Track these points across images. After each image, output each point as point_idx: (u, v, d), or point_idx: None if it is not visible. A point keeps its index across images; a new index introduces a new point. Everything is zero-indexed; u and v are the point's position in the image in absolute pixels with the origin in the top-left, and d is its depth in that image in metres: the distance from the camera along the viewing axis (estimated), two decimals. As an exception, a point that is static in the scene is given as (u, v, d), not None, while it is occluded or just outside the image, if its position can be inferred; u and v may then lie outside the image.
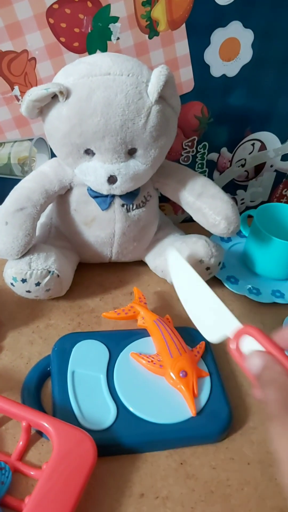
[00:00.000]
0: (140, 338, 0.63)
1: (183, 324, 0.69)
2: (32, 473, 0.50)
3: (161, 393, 0.57)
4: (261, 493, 0.52)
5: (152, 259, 0.76)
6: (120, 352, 0.61)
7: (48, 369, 0.60)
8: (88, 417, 0.54)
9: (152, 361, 0.59)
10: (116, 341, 0.62)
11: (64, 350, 0.60)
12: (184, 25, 0.67)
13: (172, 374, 0.58)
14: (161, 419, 0.55)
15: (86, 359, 0.60)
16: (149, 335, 0.63)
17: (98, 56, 0.59)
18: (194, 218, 0.71)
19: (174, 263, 0.62)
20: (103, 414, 0.54)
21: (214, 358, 0.63)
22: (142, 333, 0.64)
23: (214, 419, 0.56)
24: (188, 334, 0.65)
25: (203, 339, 0.63)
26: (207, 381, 0.59)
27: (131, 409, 0.55)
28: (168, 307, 0.73)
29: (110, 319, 0.67)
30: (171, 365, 0.58)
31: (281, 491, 0.52)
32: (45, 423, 0.51)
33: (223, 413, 0.57)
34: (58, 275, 0.64)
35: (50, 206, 0.70)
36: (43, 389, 0.59)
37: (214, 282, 0.76)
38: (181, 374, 0.57)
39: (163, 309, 0.72)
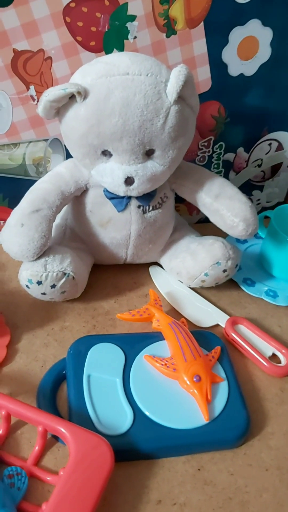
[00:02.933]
0: (156, 341, 0.63)
1: (198, 328, 0.69)
2: (48, 478, 0.50)
3: (178, 397, 0.57)
4: (280, 500, 0.52)
5: (167, 261, 0.75)
6: (136, 355, 0.60)
7: (64, 372, 0.60)
8: (105, 421, 0.53)
9: (165, 364, 0.59)
10: (132, 344, 0.62)
11: (79, 353, 0.60)
12: (202, 23, 0.66)
13: (185, 379, 0.57)
14: (178, 424, 0.54)
15: (102, 362, 0.59)
16: (164, 339, 0.63)
17: (116, 55, 0.58)
18: (211, 220, 0.70)
19: (158, 276, 0.73)
20: (119, 419, 0.54)
21: (231, 363, 0.62)
22: (158, 336, 0.63)
23: (231, 424, 0.56)
24: (203, 338, 0.64)
25: (219, 343, 0.64)
26: (223, 386, 0.59)
27: (148, 414, 0.55)
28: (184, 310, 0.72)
29: (125, 320, 0.67)
30: (185, 369, 0.57)
31: (300, 499, 0.52)
32: (62, 428, 0.50)
33: (241, 418, 0.56)
34: (73, 277, 0.64)
35: (65, 208, 0.70)
36: (59, 392, 0.59)
37: (230, 284, 0.75)
38: (194, 379, 0.57)
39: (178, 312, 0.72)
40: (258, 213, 0.71)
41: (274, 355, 0.66)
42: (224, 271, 0.69)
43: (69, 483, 0.46)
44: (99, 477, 0.47)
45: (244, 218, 0.66)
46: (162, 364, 0.59)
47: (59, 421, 0.51)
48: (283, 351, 0.65)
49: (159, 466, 0.53)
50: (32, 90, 0.67)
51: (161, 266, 0.78)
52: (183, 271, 0.72)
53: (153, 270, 0.77)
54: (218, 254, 0.68)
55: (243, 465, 0.54)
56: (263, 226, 0.81)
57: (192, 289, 0.75)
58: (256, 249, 0.84)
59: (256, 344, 0.66)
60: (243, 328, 0.68)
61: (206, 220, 0.72)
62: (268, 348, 0.66)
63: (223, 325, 0.69)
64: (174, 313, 0.71)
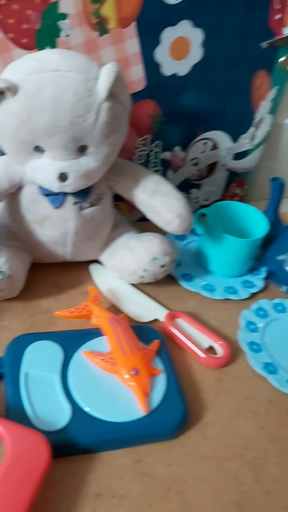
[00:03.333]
0: (95, 337, 0.63)
1: (138, 323, 0.69)
2: (-17, 477, 0.49)
3: (116, 391, 0.57)
4: (217, 488, 0.53)
5: (107, 258, 0.75)
6: (75, 352, 0.60)
7: (1, 371, 0.59)
8: (42, 418, 0.53)
9: (104, 359, 0.59)
10: (71, 341, 0.62)
11: (16, 351, 0.59)
12: (134, 23, 0.67)
13: (123, 372, 0.57)
14: (116, 417, 0.54)
15: (40, 360, 0.59)
16: (103, 335, 0.63)
17: (46, 52, 0.58)
18: (148, 217, 0.71)
19: (98, 274, 0.76)
20: (57, 415, 0.53)
21: (169, 356, 0.63)
22: (97, 332, 0.63)
23: (169, 416, 0.56)
24: (143, 332, 0.65)
25: (158, 337, 0.64)
26: (162, 379, 0.59)
27: (86, 408, 0.55)
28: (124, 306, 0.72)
29: (64, 317, 0.66)
30: (123, 363, 0.58)
31: (237, 486, 0.53)
32: None
33: (178, 410, 0.57)
34: (10, 276, 0.63)
35: (0, 205, 0.69)
36: (-3, 390, 0.58)
37: (169, 280, 0.76)
38: (132, 372, 0.57)
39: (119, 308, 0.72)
40: (196, 211, 0.72)
41: (211, 347, 0.67)
42: (162, 266, 0.70)
43: (5, 481, 0.45)
44: (36, 474, 0.46)
45: (179, 214, 0.67)
46: (100, 359, 0.59)
47: (-8, 418, 0.50)
48: (220, 342, 0.66)
49: (98, 460, 0.53)
50: None
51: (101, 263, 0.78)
52: (123, 268, 0.72)
53: (93, 268, 0.78)
54: (156, 250, 0.69)
55: (181, 456, 0.55)
56: (201, 223, 0.83)
57: (133, 285, 0.75)
58: (194, 245, 0.85)
59: (194, 337, 0.67)
60: (181, 321, 0.69)
61: (146, 218, 0.73)
62: (205, 340, 0.67)
63: (162, 320, 0.70)
64: (115, 309, 0.71)
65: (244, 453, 0.56)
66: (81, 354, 0.60)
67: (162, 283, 0.76)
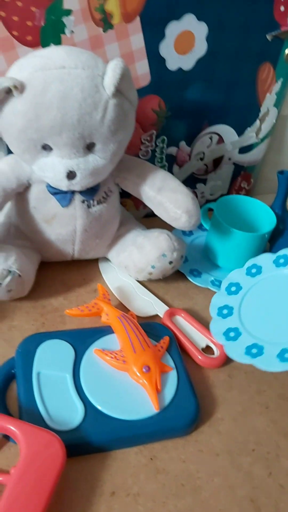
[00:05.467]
0: (106, 335, 0.63)
1: (148, 320, 0.69)
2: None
3: (128, 389, 0.57)
4: (231, 483, 0.53)
5: (115, 256, 0.75)
6: (86, 350, 0.60)
7: (13, 371, 0.59)
8: (56, 417, 0.53)
9: (115, 357, 0.59)
10: (82, 339, 0.62)
11: (28, 351, 0.59)
12: (138, 18, 0.67)
13: (135, 369, 0.57)
14: (129, 415, 0.54)
15: (52, 359, 0.59)
16: (114, 332, 0.63)
17: (52, 49, 0.57)
18: (156, 213, 0.71)
19: (106, 271, 0.76)
20: (70, 414, 0.53)
21: (180, 352, 0.63)
22: (107, 330, 0.63)
23: (181, 412, 0.56)
24: (152, 329, 0.65)
25: (167, 333, 0.64)
26: (173, 375, 0.59)
27: (98, 407, 0.55)
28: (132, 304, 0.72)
29: (74, 316, 0.66)
30: (134, 360, 0.58)
31: (250, 481, 0.53)
32: (12, 427, 0.49)
33: (190, 406, 0.57)
34: (19, 275, 0.63)
35: (8, 205, 0.69)
36: (8, 392, 0.58)
37: (177, 275, 0.76)
38: (144, 369, 0.57)
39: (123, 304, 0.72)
40: (202, 205, 0.72)
41: (209, 346, 0.66)
42: (170, 262, 0.70)
43: (21, 481, 0.46)
44: (51, 473, 0.47)
45: (187, 209, 0.67)
46: (112, 357, 0.59)
47: (8, 419, 0.50)
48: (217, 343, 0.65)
49: (112, 458, 0.53)
50: None
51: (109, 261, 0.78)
52: (131, 265, 0.72)
53: (102, 265, 0.77)
54: (164, 246, 0.69)
55: (194, 452, 0.55)
56: (208, 218, 0.83)
57: (140, 282, 0.75)
58: (201, 241, 0.85)
59: (191, 335, 0.66)
60: (180, 319, 0.69)
61: (153, 214, 0.73)
62: (203, 339, 0.66)
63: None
64: (122, 307, 0.71)
65: (257, 448, 0.56)
66: (92, 352, 0.60)
67: (170, 279, 0.76)
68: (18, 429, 0.49)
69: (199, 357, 0.63)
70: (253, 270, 0.69)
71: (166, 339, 0.63)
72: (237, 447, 0.56)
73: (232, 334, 0.62)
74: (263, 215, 0.79)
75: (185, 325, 0.68)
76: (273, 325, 0.61)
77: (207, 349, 0.66)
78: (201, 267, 0.80)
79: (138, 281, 0.75)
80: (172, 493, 0.51)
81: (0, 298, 0.65)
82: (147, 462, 0.53)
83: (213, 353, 0.65)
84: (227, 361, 0.65)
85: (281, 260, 0.68)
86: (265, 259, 0.70)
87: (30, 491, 0.45)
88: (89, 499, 0.50)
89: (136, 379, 0.57)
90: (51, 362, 0.58)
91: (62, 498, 0.49)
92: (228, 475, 0.54)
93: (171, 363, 0.61)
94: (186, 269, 0.78)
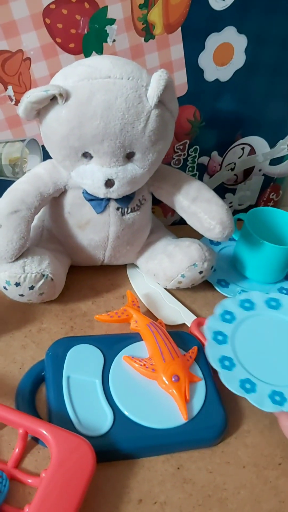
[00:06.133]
0: (135, 342, 0.63)
1: (175, 328, 0.70)
2: (29, 480, 0.50)
3: (156, 397, 0.57)
4: (257, 496, 0.53)
5: (144, 263, 0.76)
6: (115, 356, 0.61)
7: (42, 374, 0.59)
8: (85, 423, 0.53)
9: (144, 365, 0.59)
10: (110, 345, 0.62)
11: (58, 355, 0.60)
12: (179, 29, 0.67)
13: (164, 379, 0.58)
14: (158, 424, 0.55)
15: (81, 364, 0.59)
16: (142, 340, 0.63)
17: (98, 58, 0.58)
18: (189, 222, 0.71)
19: (135, 278, 0.76)
20: (100, 420, 0.54)
21: (208, 362, 0.63)
22: (136, 337, 0.64)
23: (209, 423, 0.57)
24: (181, 338, 0.65)
25: (196, 343, 0.65)
26: (201, 386, 0.60)
27: (127, 414, 0.55)
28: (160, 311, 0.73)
29: (103, 321, 0.67)
30: (164, 369, 0.58)
31: (276, 494, 0.53)
32: (43, 430, 0.50)
33: (218, 417, 0.57)
34: (52, 279, 0.64)
35: (42, 209, 0.69)
36: (38, 394, 0.58)
37: (205, 285, 0.76)
38: (173, 379, 0.57)
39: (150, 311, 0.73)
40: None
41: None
42: (200, 272, 0.70)
43: (51, 484, 0.46)
44: (81, 478, 0.47)
45: (221, 221, 0.67)
46: (141, 365, 0.59)
47: (40, 423, 0.51)
48: None
49: (139, 466, 0.54)
50: (10, 90, 0.66)
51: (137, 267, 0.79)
52: (160, 273, 0.72)
53: (131, 271, 0.78)
54: (195, 256, 0.69)
55: (221, 463, 0.55)
56: (236, 228, 0.83)
57: (168, 290, 0.76)
58: (229, 251, 0.85)
59: None
60: None
61: (180, 222, 0.73)
62: None
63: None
64: (151, 314, 0.72)
65: (283, 462, 0.56)
66: (121, 359, 0.60)
67: (198, 289, 0.76)
68: (49, 433, 0.50)
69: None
70: (247, 304, 0.69)
71: (194, 349, 0.63)
72: (264, 460, 0.56)
73: (227, 363, 0.61)
74: (293, 228, 0.79)
75: None
76: (264, 363, 0.62)
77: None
78: (229, 277, 0.80)
79: (165, 289, 0.75)
80: (198, 503, 0.52)
81: (31, 301, 0.65)
82: (174, 471, 0.54)
83: None
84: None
85: (273, 303, 0.70)
86: (258, 297, 0.70)
87: (61, 494, 0.46)
88: (117, 506, 0.50)
89: (165, 388, 0.58)
90: (81, 366, 0.59)
91: (90, 504, 0.49)
92: (254, 488, 0.54)
93: (199, 374, 0.61)
94: (214, 279, 0.78)
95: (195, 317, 0.71)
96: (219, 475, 0.54)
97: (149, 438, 0.54)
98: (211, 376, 0.61)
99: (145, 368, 0.59)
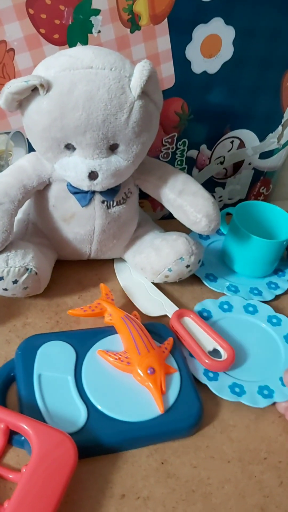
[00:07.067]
0: (108, 335, 0.62)
1: (156, 320, 0.69)
2: (10, 476, 0.49)
3: (131, 390, 0.57)
4: (241, 491, 0.53)
5: (131, 257, 0.75)
6: (87, 351, 0.60)
7: (12, 374, 0.58)
8: (58, 420, 0.52)
9: (119, 358, 0.58)
10: (83, 340, 0.61)
11: (28, 353, 0.58)
12: (166, 20, 0.66)
13: (139, 371, 0.57)
14: (133, 417, 0.54)
15: (52, 361, 0.58)
16: (116, 333, 0.62)
17: (80, 48, 0.57)
18: (175, 216, 0.70)
19: (121, 270, 0.77)
20: (73, 416, 0.53)
21: (182, 353, 0.63)
22: (109, 330, 0.63)
23: (184, 414, 0.56)
24: (156, 329, 0.64)
25: (171, 334, 0.64)
26: (176, 377, 0.59)
27: (101, 409, 0.54)
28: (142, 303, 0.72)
29: (76, 316, 0.66)
30: (139, 362, 0.57)
31: (261, 489, 0.53)
32: (24, 425, 0.49)
33: (194, 408, 0.57)
34: (36, 273, 0.63)
35: (27, 202, 0.69)
36: (9, 393, 0.57)
37: (193, 279, 0.76)
38: (148, 371, 0.57)
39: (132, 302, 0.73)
40: (220, 210, 0.72)
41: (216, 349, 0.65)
42: (187, 266, 0.69)
43: (32, 480, 0.46)
44: (63, 474, 0.46)
45: (207, 214, 0.67)
46: (116, 359, 0.58)
47: (21, 417, 0.50)
48: (225, 346, 0.64)
49: (123, 461, 0.53)
50: (-7, 82, 0.66)
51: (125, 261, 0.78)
52: (147, 267, 0.72)
53: (118, 265, 0.78)
54: (182, 250, 0.68)
55: (205, 458, 0.55)
56: (225, 223, 0.82)
57: (156, 284, 0.75)
58: (218, 245, 0.85)
59: (199, 338, 0.65)
60: (189, 321, 0.68)
61: (169, 216, 0.73)
62: (211, 342, 0.65)
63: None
64: (127, 307, 0.71)
65: (268, 456, 0.56)
66: (94, 354, 0.59)
67: (185, 283, 0.76)
68: (30, 428, 0.49)
69: (206, 361, 0.62)
70: (225, 306, 0.72)
71: (170, 340, 0.63)
72: (249, 455, 0.56)
73: (211, 374, 0.62)
74: (282, 222, 0.78)
75: (194, 327, 0.67)
76: (243, 363, 0.65)
77: (216, 352, 0.65)
78: (217, 272, 0.79)
79: (152, 283, 0.75)
80: (182, 498, 0.51)
81: (15, 295, 0.65)
82: (158, 466, 0.53)
83: (220, 357, 0.64)
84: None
85: (250, 309, 0.73)
86: (237, 301, 0.73)
87: (41, 490, 0.45)
88: (99, 501, 0.50)
89: (141, 381, 0.57)
90: (52, 363, 0.58)
91: (72, 498, 0.49)
92: (239, 482, 0.53)
93: (175, 365, 0.60)
94: (202, 273, 0.77)
95: (177, 309, 0.71)
96: (203, 470, 0.54)
97: (124, 431, 0.53)
98: (186, 366, 0.61)
99: (120, 362, 0.58)
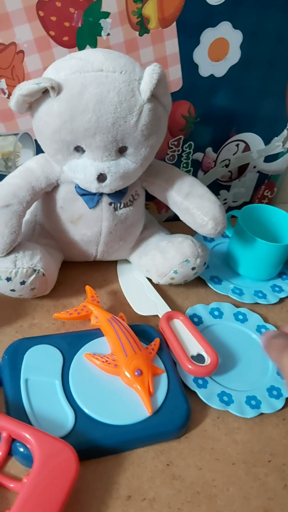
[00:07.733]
0: (95, 338, 0.62)
1: (146, 320, 0.69)
2: (11, 485, 0.48)
3: (119, 393, 0.56)
4: (246, 493, 0.53)
5: (137, 258, 0.75)
6: (74, 355, 0.59)
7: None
8: (45, 425, 0.52)
9: (106, 361, 0.58)
10: (70, 344, 0.61)
11: (14, 357, 0.58)
12: (174, 23, 0.67)
13: (127, 373, 0.57)
14: (121, 420, 0.54)
15: (39, 365, 0.57)
16: (103, 335, 0.62)
17: (90, 51, 0.57)
18: (181, 218, 0.71)
19: (123, 271, 0.77)
20: (61, 420, 0.53)
21: (169, 354, 0.63)
22: (96, 333, 0.63)
23: (172, 415, 0.56)
24: (142, 331, 0.64)
25: (158, 335, 0.64)
26: (163, 378, 0.59)
27: (89, 412, 0.54)
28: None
29: (62, 319, 0.66)
30: (126, 364, 0.57)
31: (265, 491, 0.53)
32: (27, 434, 0.48)
33: (181, 409, 0.57)
34: (43, 274, 0.63)
35: (34, 203, 0.69)
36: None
37: (197, 281, 0.76)
38: (136, 373, 0.57)
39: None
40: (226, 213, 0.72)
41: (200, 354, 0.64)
42: (193, 268, 0.70)
43: (33, 489, 0.45)
44: (64, 483, 0.46)
45: (214, 217, 0.67)
46: (103, 361, 0.58)
47: (24, 426, 0.49)
48: (209, 351, 0.63)
49: (129, 462, 0.53)
50: (3, 84, 0.66)
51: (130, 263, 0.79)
52: (153, 269, 0.72)
53: (120, 266, 0.78)
54: (187, 252, 0.68)
55: (210, 460, 0.55)
56: (230, 225, 0.82)
57: (161, 286, 0.75)
58: (223, 247, 0.85)
59: (185, 341, 0.65)
60: (178, 323, 0.67)
61: (174, 218, 0.73)
62: (196, 346, 0.64)
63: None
64: (114, 310, 0.70)
65: (273, 459, 0.56)
66: (81, 357, 0.59)
67: (190, 285, 0.76)
68: (32, 437, 0.48)
69: (188, 366, 0.60)
70: (216, 313, 0.72)
71: (157, 341, 0.63)
72: (253, 457, 0.56)
73: (200, 381, 0.62)
74: (287, 226, 0.79)
75: (182, 330, 0.66)
76: (231, 371, 0.65)
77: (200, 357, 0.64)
78: (222, 274, 0.80)
79: (158, 284, 0.75)
80: (187, 500, 0.51)
81: (22, 296, 0.65)
82: (164, 468, 0.54)
83: (203, 362, 0.63)
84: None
85: (240, 317, 0.72)
86: (228, 309, 0.73)
87: (42, 500, 0.45)
88: (105, 502, 0.50)
89: (128, 382, 0.57)
90: (39, 368, 0.57)
91: (78, 500, 0.49)
92: (244, 485, 0.53)
93: (162, 366, 0.61)
94: (207, 275, 0.78)
95: (169, 310, 0.71)
96: (208, 472, 0.54)
97: (113, 435, 0.53)
98: (173, 367, 0.61)
99: (107, 365, 0.58)
